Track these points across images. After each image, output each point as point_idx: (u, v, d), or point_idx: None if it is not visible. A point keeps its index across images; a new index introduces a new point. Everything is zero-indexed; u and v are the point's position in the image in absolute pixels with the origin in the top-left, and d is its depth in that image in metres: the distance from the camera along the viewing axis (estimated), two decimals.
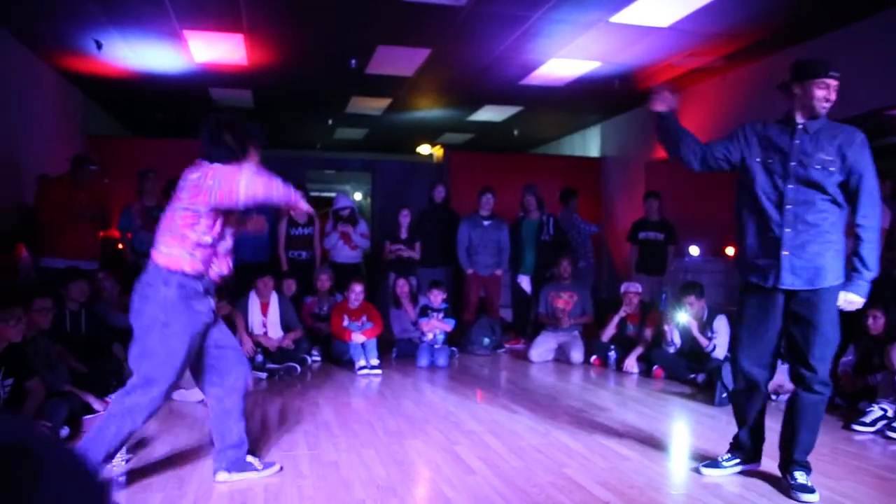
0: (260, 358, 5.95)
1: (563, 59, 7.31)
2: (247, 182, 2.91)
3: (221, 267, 3.15)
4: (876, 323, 4.84)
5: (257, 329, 6.16)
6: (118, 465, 3.31)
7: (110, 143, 9.02)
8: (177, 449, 3.69)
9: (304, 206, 3.20)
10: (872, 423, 4.22)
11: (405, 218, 7.63)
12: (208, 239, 3.01)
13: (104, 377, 4.74)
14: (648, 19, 6.03)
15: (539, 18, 6.05)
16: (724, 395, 4.75)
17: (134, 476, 3.24)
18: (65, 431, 3.90)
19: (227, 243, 3.15)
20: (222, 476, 3.17)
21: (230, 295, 6.91)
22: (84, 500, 0.53)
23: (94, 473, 0.55)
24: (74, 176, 6.02)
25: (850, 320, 4.00)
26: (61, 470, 0.52)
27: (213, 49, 7.05)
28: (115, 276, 6.11)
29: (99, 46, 6.74)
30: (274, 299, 6.29)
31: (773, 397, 5.06)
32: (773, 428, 3.43)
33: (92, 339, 5.18)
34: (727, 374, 4.81)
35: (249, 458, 3.26)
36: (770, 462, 3.38)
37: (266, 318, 6.22)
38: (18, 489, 0.49)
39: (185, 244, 2.97)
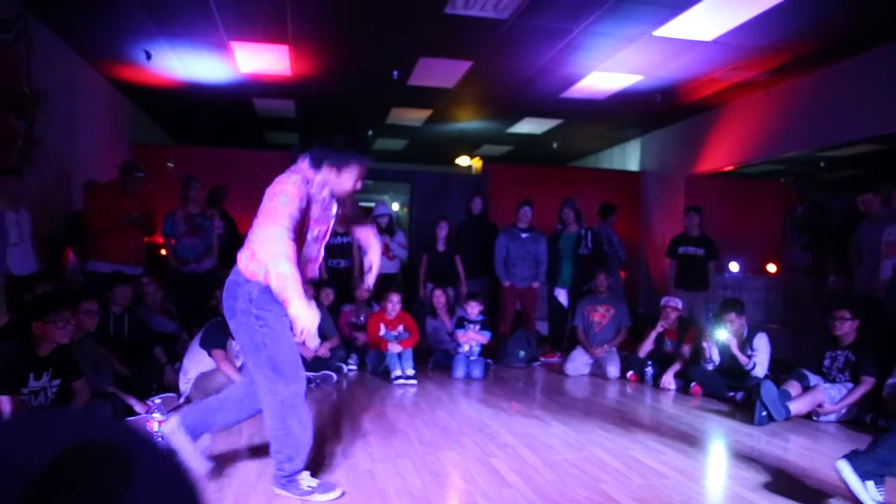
0: None
1: (605, 73, 7.29)
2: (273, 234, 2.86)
3: (306, 272, 3.15)
4: None
5: (295, 337, 6.21)
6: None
7: (156, 151, 9.23)
8: (215, 455, 3.74)
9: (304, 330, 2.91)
10: None
11: (443, 230, 7.65)
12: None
13: (146, 380, 4.85)
14: (692, 33, 5.99)
15: (581, 32, 6.06)
16: (764, 413, 4.67)
17: (196, 479, 3.29)
18: None
19: (312, 250, 3.17)
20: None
21: None
22: (177, 501, 0.55)
23: (187, 474, 0.56)
24: (123, 182, 6.17)
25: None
26: (155, 470, 0.54)
27: (259, 60, 7.19)
28: (159, 282, 6.25)
29: (148, 56, 6.91)
30: (312, 308, 6.34)
31: (814, 417, 4.97)
32: (820, 451, 3.36)
33: (134, 342, 5.30)
34: (767, 392, 4.74)
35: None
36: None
37: None
38: (112, 488, 0.51)
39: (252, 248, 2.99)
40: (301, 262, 3.04)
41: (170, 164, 6.11)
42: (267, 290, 2.96)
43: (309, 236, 3.13)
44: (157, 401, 4.18)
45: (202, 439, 3.27)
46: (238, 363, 5.07)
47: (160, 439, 3.35)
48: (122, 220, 5.98)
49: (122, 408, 4.25)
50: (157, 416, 3.42)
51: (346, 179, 3.15)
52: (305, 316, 2.83)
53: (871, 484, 3.09)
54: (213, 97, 8.74)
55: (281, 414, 3.04)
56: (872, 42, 6.16)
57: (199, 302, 6.46)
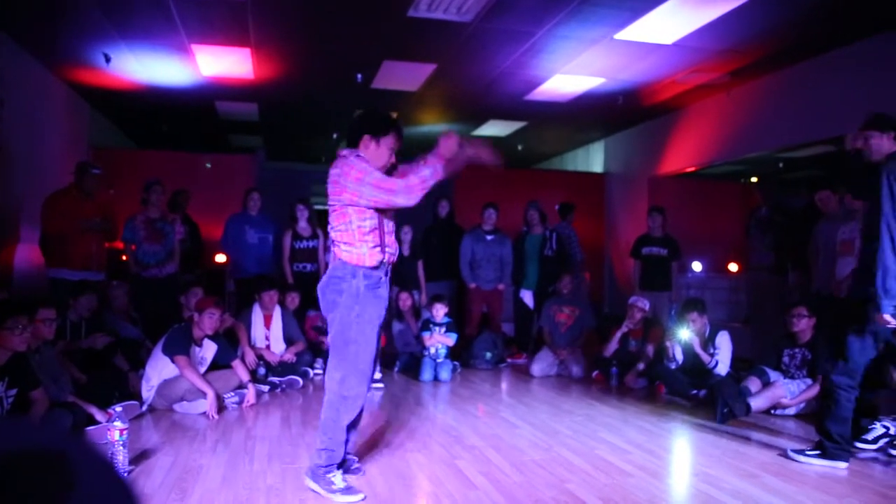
0: (262, 371, 5.96)
1: (568, 75, 7.35)
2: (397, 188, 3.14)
3: (391, 246, 3.31)
4: None
5: (260, 342, 6.17)
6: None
7: (116, 155, 9.08)
8: (179, 461, 3.69)
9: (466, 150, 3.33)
10: (874, 441, 4.20)
11: (407, 235, 7.62)
12: (370, 223, 3.19)
13: (106, 388, 4.76)
14: (653, 36, 6.07)
15: (544, 35, 6.10)
16: (726, 410, 4.74)
17: (136, 487, 3.24)
18: None
19: (390, 223, 3.34)
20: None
21: (233, 307, 6.95)
22: None
23: (126, 481, 0.56)
24: (80, 184, 6.04)
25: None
26: (95, 476, 0.53)
27: (220, 63, 7.11)
28: (126, 287, 6.15)
29: (107, 59, 6.80)
30: (277, 312, 6.30)
31: (773, 412, 5.07)
32: (780, 445, 3.42)
33: (93, 350, 5.19)
34: (728, 389, 4.82)
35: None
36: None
37: (269, 331, 6.23)
38: (52, 495, 0.50)
39: (357, 238, 3.17)
40: (383, 234, 3.25)
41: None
42: (373, 286, 3.20)
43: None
44: (119, 409, 4.10)
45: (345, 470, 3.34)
46: (202, 369, 5.01)
47: (121, 447, 3.30)
48: (82, 226, 5.86)
49: (82, 417, 4.16)
50: (118, 424, 3.35)
51: (384, 151, 3.31)
52: (451, 143, 3.24)
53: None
54: (174, 100, 8.62)
55: (342, 407, 3.20)
56: (830, 45, 6.30)
57: (160, 307, 6.37)
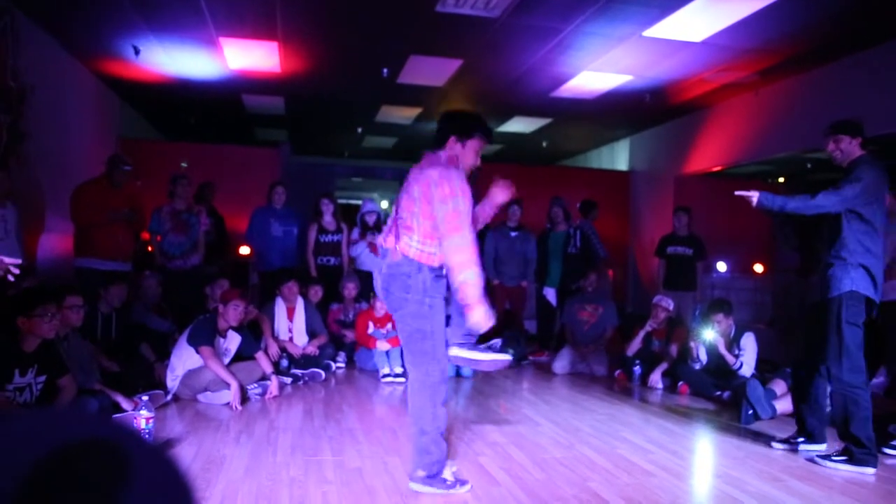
0: (285, 363, 6.00)
1: (595, 72, 7.31)
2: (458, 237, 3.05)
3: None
4: None
5: (283, 334, 6.21)
6: None
7: (144, 147, 9.17)
8: (203, 451, 3.73)
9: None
10: None
11: None
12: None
13: (133, 378, 4.82)
14: (682, 34, 6.01)
15: (572, 31, 6.06)
16: (750, 412, 4.69)
17: (191, 481, 3.27)
18: None
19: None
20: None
21: (257, 300, 6.99)
22: (173, 500, 0.55)
23: (183, 474, 0.56)
24: (110, 177, 6.12)
25: (881, 342, 3.96)
26: (151, 469, 0.54)
27: (248, 56, 7.15)
28: (158, 277, 6.20)
29: (137, 52, 6.87)
30: (300, 305, 6.34)
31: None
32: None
33: (122, 340, 5.27)
34: (753, 391, 4.78)
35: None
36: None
37: (292, 323, 6.27)
38: (108, 486, 0.50)
39: (431, 239, 3.14)
40: None
41: (183, 164, 6.14)
42: (437, 278, 3.19)
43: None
44: (145, 398, 4.15)
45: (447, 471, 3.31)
46: (226, 360, 5.06)
47: (146, 436, 3.34)
48: (110, 216, 5.93)
49: (108, 404, 4.22)
50: (144, 412, 3.40)
51: (469, 152, 3.31)
52: (483, 321, 3.05)
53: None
54: (201, 93, 8.69)
55: (432, 393, 3.19)
56: (860, 45, 6.21)
57: (184, 298, 6.43)
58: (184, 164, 6.20)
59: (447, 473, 3.24)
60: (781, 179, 10.32)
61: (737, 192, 3.98)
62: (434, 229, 3.11)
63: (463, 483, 3.23)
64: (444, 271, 3.21)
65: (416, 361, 3.24)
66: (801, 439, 4.17)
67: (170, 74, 7.85)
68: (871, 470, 3.73)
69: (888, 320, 4.03)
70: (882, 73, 6.13)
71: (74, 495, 0.48)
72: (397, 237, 3.20)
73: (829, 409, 4.22)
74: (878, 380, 4.79)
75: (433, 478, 3.19)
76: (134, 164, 6.38)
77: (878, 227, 3.84)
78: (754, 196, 3.88)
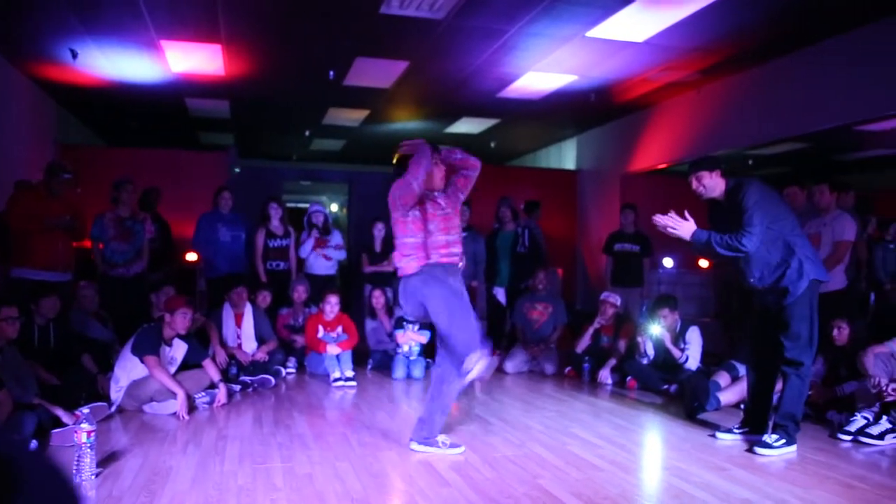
0: (233, 370, 5.90)
1: (540, 73, 7.38)
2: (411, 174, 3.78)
3: (440, 251, 3.84)
4: (841, 334, 4.94)
5: (231, 341, 6.12)
6: (88, 480, 3.26)
7: (83, 152, 8.94)
8: (148, 463, 3.65)
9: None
10: (857, 432, 4.28)
11: (379, 231, 7.59)
12: (412, 240, 3.80)
13: (74, 390, 4.68)
14: (624, 34, 6.11)
15: (516, 32, 6.11)
16: (696, 404, 4.79)
17: (104, 490, 3.20)
18: (33, 445, 3.84)
19: (437, 238, 3.83)
20: (413, 446, 3.92)
21: (205, 306, 6.88)
22: None
23: (73, 486, 0.55)
24: (48, 185, 5.93)
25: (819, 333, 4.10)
26: (41, 481, 0.53)
27: (190, 59, 7.03)
28: (95, 286, 6.04)
29: (74, 55, 6.69)
30: (248, 311, 6.26)
31: (742, 406, 5.14)
32: (748, 438, 3.45)
33: (61, 352, 5.11)
34: (699, 384, 4.89)
35: (439, 438, 3.91)
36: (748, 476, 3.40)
37: (240, 329, 6.18)
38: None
39: (401, 251, 3.85)
40: (433, 249, 3.83)
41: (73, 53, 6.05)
42: (422, 276, 3.78)
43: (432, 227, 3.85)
44: (86, 410, 4.03)
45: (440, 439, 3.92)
46: (172, 369, 4.96)
47: (88, 450, 3.25)
48: (47, 224, 5.75)
49: (47, 419, 4.09)
50: (85, 426, 3.30)
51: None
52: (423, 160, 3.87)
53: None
54: (143, 97, 8.51)
55: (462, 381, 3.82)
56: (797, 44, 6.39)
57: (128, 307, 6.29)
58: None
59: (443, 437, 3.90)
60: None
61: (663, 220, 4.09)
62: (399, 249, 3.85)
63: (455, 446, 3.87)
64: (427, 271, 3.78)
65: (454, 346, 3.66)
66: (745, 429, 4.28)
67: (109, 78, 7.67)
68: (795, 447, 4.00)
69: (822, 311, 4.17)
70: (817, 71, 6.32)
71: None
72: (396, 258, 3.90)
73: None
74: (815, 367, 4.94)
75: (433, 441, 3.85)
76: (74, 171, 6.21)
77: (791, 220, 4.06)
78: (687, 233, 4.04)
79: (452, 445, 3.87)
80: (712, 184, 4.11)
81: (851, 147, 9.42)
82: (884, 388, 4.30)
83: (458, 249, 3.90)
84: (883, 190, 9.77)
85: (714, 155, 4.29)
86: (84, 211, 6.33)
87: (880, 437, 4.19)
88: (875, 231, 6.94)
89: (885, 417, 4.28)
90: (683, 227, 4.04)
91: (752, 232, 3.89)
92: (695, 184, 4.15)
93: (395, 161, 3.94)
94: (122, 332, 5.67)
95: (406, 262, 3.81)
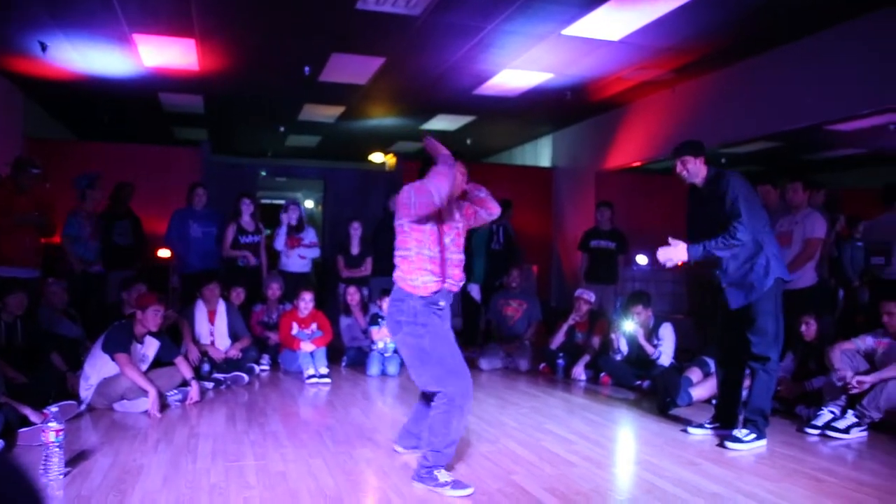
0: (206, 367, 5.85)
1: (516, 70, 7.39)
2: (435, 186, 3.29)
3: (454, 277, 3.46)
4: (808, 329, 5.03)
5: (204, 338, 6.06)
6: (56, 479, 3.22)
7: (53, 146, 8.80)
8: (119, 461, 3.61)
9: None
10: (824, 426, 4.35)
11: (356, 231, 7.57)
12: (428, 253, 3.36)
13: (42, 388, 4.61)
14: (599, 33, 6.14)
15: (492, 29, 6.12)
16: (668, 399, 4.84)
17: (73, 490, 3.16)
18: None
19: (453, 256, 3.47)
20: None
21: (178, 303, 6.82)
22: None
23: (34, 486, 0.54)
24: (16, 180, 5.83)
25: (786, 328, 4.17)
26: (2, 482, 0.52)
27: (164, 53, 6.95)
28: (63, 283, 5.95)
29: (44, 48, 6.58)
30: (221, 307, 6.21)
31: (713, 402, 5.20)
32: (719, 432, 3.48)
33: (29, 349, 5.02)
34: (671, 379, 4.94)
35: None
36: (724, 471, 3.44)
37: (213, 326, 6.13)
38: None
39: (413, 272, 3.35)
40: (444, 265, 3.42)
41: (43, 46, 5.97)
42: (427, 303, 3.35)
43: (448, 240, 3.47)
44: (54, 409, 3.97)
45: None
46: (144, 367, 4.90)
47: (56, 449, 3.21)
48: (15, 220, 5.65)
49: (14, 418, 4.02)
50: (53, 424, 3.25)
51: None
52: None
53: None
54: (116, 91, 8.40)
55: (448, 409, 3.26)
56: (769, 44, 6.47)
57: (98, 304, 6.22)
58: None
59: (442, 474, 3.24)
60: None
61: (662, 258, 4.19)
62: (412, 261, 3.34)
63: (459, 486, 3.19)
64: (438, 299, 3.39)
65: (426, 378, 3.38)
66: (716, 424, 4.34)
67: (80, 71, 7.55)
68: (765, 441, 4.06)
69: (792, 307, 4.25)
70: (790, 70, 6.40)
71: None
72: (397, 267, 3.43)
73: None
74: (785, 363, 5.02)
75: (428, 475, 3.25)
76: (43, 166, 6.11)
77: (764, 218, 4.13)
78: (683, 256, 4.08)
79: (457, 485, 3.23)
80: (695, 169, 4.16)
81: (821, 146, 9.56)
82: (849, 382, 4.38)
83: (460, 272, 3.55)
84: (850, 189, 9.93)
85: (697, 140, 4.27)
86: (54, 206, 6.24)
87: (846, 430, 4.27)
88: (843, 229, 7.05)
89: (850, 412, 4.36)
90: (676, 251, 4.08)
91: (742, 222, 3.93)
92: (679, 167, 4.19)
93: (421, 160, 3.61)
94: (92, 329, 5.60)
95: (423, 279, 3.33)
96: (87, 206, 6.49)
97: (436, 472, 3.24)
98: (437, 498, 3.11)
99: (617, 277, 7.83)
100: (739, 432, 4.05)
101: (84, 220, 6.42)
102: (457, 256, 3.50)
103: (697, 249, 4.03)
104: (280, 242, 7.38)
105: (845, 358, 4.54)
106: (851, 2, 5.45)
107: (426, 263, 3.35)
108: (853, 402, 4.41)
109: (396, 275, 3.42)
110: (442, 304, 3.42)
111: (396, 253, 3.43)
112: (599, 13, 5.65)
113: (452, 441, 3.30)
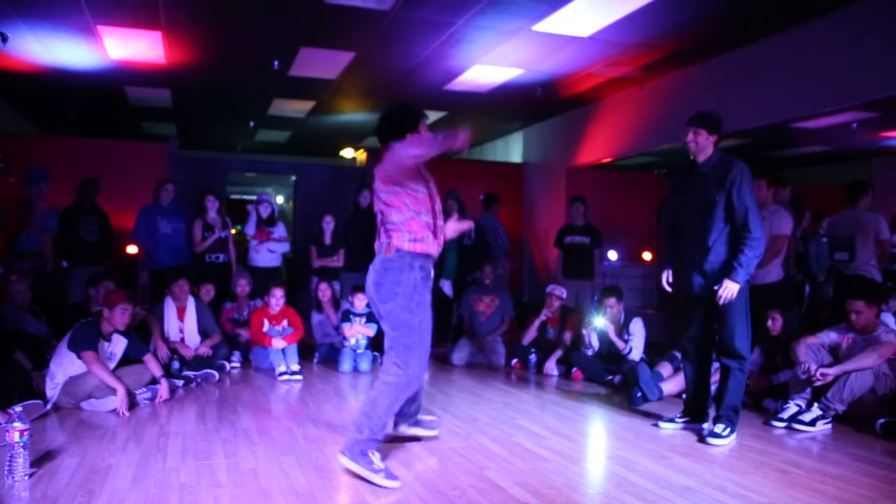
0: (176, 365, 5.78)
1: (487, 66, 7.40)
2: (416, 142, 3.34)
3: (440, 244, 3.50)
4: (775, 324, 5.12)
5: (174, 335, 5.99)
6: (21, 480, 3.16)
7: (16, 141, 8.61)
8: (86, 461, 3.55)
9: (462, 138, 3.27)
10: (790, 419, 4.43)
11: (329, 224, 7.55)
12: (425, 217, 3.42)
13: (6, 387, 4.52)
14: (570, 29, 6.17)
15: (463, 25, 6.11)
16: (639, 394, 4.89)
17: (39, 491, 3.10)
18: None
19: (440, 222, 3.50)
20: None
21: (148, 300, 6.72)
22: None
23: None
24: None
25: (755, 323, 4.23)
26: None
27: (130, 46, 6.83)
28: (27, 280, 5.82)
29: (4, 39, 6.42)
30: (191, 304, 6.13)
31: (683, 396, 5.27)
32: (690, 426, 3.52)
33: None
34: (642, 374, 4.99)
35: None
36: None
37: (183, 323, 6.06)
38: None
39: (418, 230, 3.39)
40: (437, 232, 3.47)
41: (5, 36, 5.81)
42: (425, 278, 3.42)
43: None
44: (19, 408, 3.90)
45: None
46: (112, 365, 4.82)
47: (21, 450, 3.15)
48: None
49: None
50: (17, 424, 3.19)
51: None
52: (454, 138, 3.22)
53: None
54: (80, 84, 8.24)
55: (402, 389, 3.33)
56: (737, 42, 6.55)
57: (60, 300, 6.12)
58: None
59: (376, 458, 3.26)
60: (665, 171, 10.78)
61: (724, 297, 4.02)
62: (412, 219, 3.36)
63: (391, 476, 3.21)
64: (431, 264, 3.48)
65: (399, 354, 3.35)
66: (686, 418, 4.39)
67: (43, 63, 7.40)
68: (735, 434, 4.13)
69: (759, 303, 4.31)
70: (758, 68, 6.49)
71: None
72: (389, 236, 3.42)
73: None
74: (753, 356, 5.10)
75: (362, 455, 3.25)
76: (5, 160, 5.98)
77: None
78: (736, 286, 3.95)
79: (388, 474, 3.24)
80: (705, 144, 4.09)
81: (786, 143, 9.70)
82: (813, 374, 4.45)
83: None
84: (815, 185, 10.11)
85: (718, 115, 4.16)
86: (11, 200, 6.11)
87: (812, 423, 4.35)
88: (809, 225, 7.18)
89: (816, 405, 4.44)
90: (730, 289, 3.95)
91: (755, 216, 3.92)
92: (691, 135, 4.10)
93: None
94: (60, 327, 5.50)
95: (422, 235, 3.40)
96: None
97: (370, 454, 3.26)
98: (412, 497, 3.10)
99: (593, 272, 7.87)
100: (718, 428, 4.07)
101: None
102: (441, 223, 3.53)
103: (739, 273, 3.93)
104: (251, 227, 7.37)
105: (810, 352, 4.62)
106: (815, 1, 5.54)
107: (423, 226, 3.40)
108: (818, 395, 4.49)
109: (388, 244, 3.41)
110: (431, 272, 3.51)
111: (384, 228, 3.47)
112: (570, 9, 5.68)
113: (387, 422, 3.43)
